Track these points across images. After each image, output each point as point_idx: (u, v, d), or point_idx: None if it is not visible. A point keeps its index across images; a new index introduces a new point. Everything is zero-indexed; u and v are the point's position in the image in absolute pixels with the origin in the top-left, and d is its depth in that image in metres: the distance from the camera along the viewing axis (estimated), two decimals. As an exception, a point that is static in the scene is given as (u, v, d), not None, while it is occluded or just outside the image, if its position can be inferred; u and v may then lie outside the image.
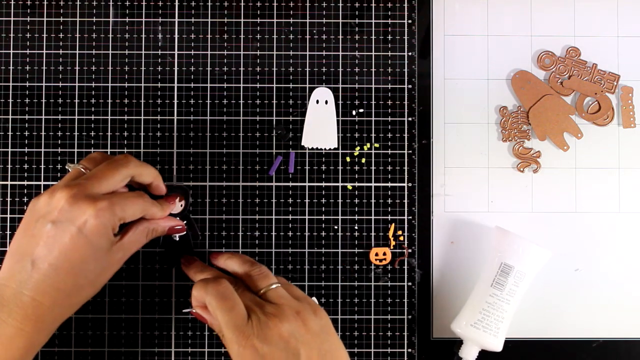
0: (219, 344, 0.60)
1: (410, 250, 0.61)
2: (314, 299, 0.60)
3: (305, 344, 0.48)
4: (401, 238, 0.61)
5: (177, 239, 0.60)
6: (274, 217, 0.61)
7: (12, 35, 0.61)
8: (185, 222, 0.60)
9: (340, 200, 0.61)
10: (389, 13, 0.62)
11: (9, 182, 0.60)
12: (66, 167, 0.54)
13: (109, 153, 0.60)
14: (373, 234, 0.61)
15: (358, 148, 0.61)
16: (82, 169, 0.52)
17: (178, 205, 0.60)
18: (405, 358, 0.60)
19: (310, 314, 0.50)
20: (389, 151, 0.61)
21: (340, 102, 0.61)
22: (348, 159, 0.61)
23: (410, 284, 0.61)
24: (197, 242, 0.60)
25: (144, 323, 0.60)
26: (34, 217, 0.49)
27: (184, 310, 0.59)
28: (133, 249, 0.53)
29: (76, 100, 0.61)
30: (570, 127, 0.62)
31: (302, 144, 0.61)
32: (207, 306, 0.50)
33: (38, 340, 0.49)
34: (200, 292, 0.50)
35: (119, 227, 0.51)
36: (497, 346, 0.56)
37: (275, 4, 0.62)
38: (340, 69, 0.61)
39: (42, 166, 0.60)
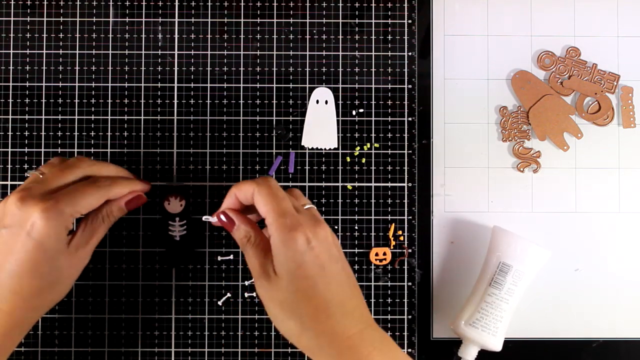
0: (219, 343, 0.60)
1: (410, 250, 0.61)
2: None
3: (334, 259, 0.49)
4: (401, 238, 0.61)
5: (178, 238, 0.60)
6: (274, 217, 0.61)
7: (12, 35, 0.61)
8: (185, 221, 0.60)
9: (340, 200, 0.61)
10: (389, 13, 0.62)
11: (9, 182, 0.60)
12: (25, 174, 0.53)
13: (109, 153, 0.60)
14: (373, 234, 0.61)
15: (358, 148, 0.61)
16: (39, 175, 0.51)
17: (178, 205, 0.60)
18: (405, 358, 0.60)
19: (336, 239, 0.51)
20: (389, 151, 0.61)
21: (340, 102, 0.61)
22: (348, 159, 0.61)
23: (410, 284, 0.61)
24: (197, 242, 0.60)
25: (144, 323, 0.60)
26: None
27: (204, 218, 0.54)
28: (92, 242, 0.52)
29: (76, 100, 0.61)
30: (570, 127, 0.62)
31: (302, 144, 0.61)
32: (241, 206, 0.50)
33: (4, 345, 0.49)
34: (249, 187, 0.49)
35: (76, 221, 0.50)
36: (496, 346, 0.56)
37: (275, 4, 0.62)
38: (340, 69, 0.61)
39: (42, 166, 0.60)
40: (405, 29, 0.62)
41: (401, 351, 0.49)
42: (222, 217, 0.51)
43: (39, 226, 0.47)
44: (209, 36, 0.61)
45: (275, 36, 0.61)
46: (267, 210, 0.48)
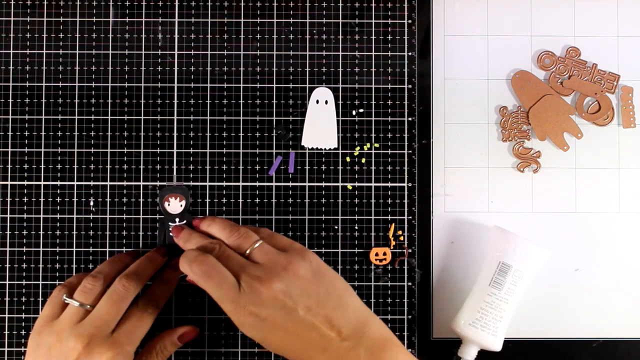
0: (219, 343, 0.60)
1: (410, 250, 0.61)
2: None
3: (302, 295, 0.49)
4: (401, 238, 0.61)
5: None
6: (274, 217, 0.61)
7: (12, 35, 0.61)
8: (185, 222, 0.60)
9: (340, 200, 0.61)
10: (389, 13, 0.62)
11: (9, 182, 0.60)
12: (63, 299, 0.54)
13: (109, 153, 0.60)
14: (373, 234, 0.61)
15: (358, 148, 0.61)
16: (86, 308, 0.53)
17: (178, 206, 0.60)
18: (405, 358, 0.60)
19: (299, 261, 0.50)
20: (389, 151, 0.61)
21: (340, 102, 0.61)
22: (348, 159, 0.61)
23: (410, 284, 0.61)
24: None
25: (144, 323, 0.60)
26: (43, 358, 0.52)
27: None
28: None
29: (76, 100, 0.61)
30: (570, 127, 0.62)
31: (302, 144, 0.61)
32: None
33: None
34: (186, 270, 0.51)
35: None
36: (496, 346, 0.56)
37: (275, 4, 0.62)
38: (340, 69, 0.61)
39: (42, 166, 0.60)
40: (405, 29, 0.62)
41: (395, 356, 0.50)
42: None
43: None
44: (209, 36, 0.61)
45: (275, 36, 0.61)
46: (213, 297, 0.50)
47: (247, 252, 0.52)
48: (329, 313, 0.49)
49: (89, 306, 0.53)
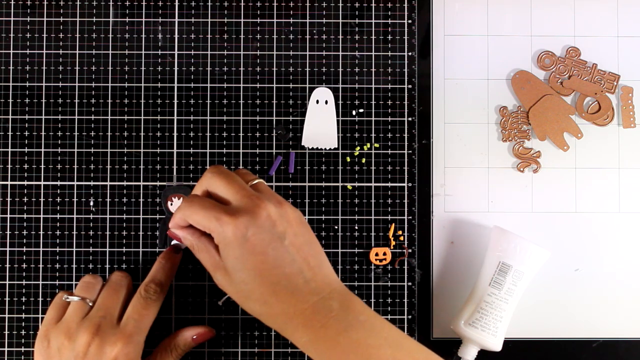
0: (219, 343, 0.60)
1: (410, 250, 0.61)
2: None
3: (291, 230, 0.49)
4: (401, 238, 0.61)
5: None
6: (274, 217, 0.61)
7: (12, 35, 0.61)
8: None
9: (340, 200, 0.61)
10: (389, 13, 0.62)
11: (9, 182, 0.60)
12: (65, 299, 0.55)
13: (109, 153, 0.60)
14: (373, 234, 0.61)
15: (358, 148, 0.61)
16: (88, 303, 0.54)
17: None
18: (405, 358, 0.60)
19: (289, 205, 0.50)
20: (389, 151, 0.61)
21: (340, 102, 0.61)
22: (348, 159, 0.61)
23: (410, 284, 0.61)
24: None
25: (144, 323, 0.60)
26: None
27: (171, 243, 0.58)
28: None
29: (76, 100, 0.61)
30: (570, 127, 0.62)
31: (302, 144, 0.61)
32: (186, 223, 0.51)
33: None
34: (202, 181, 0.51)
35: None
36: (496, 345, 0.56)
37: (275, 4, 0.62)
38: (340, 69, 0.61)
39: (42, 166, 0.60)
40: (405, 29, 0.62)
41: (364, 309, 0.50)
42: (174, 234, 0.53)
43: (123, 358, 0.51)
44: (209, 36, 0.61)
45: (275, 36, 0.61)
46: (223, 192, 0.49)
47: (249, 183, 0.51)
48: (309, 258, 0.49)
49: (90, 303, 0.53)
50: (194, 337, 0.57)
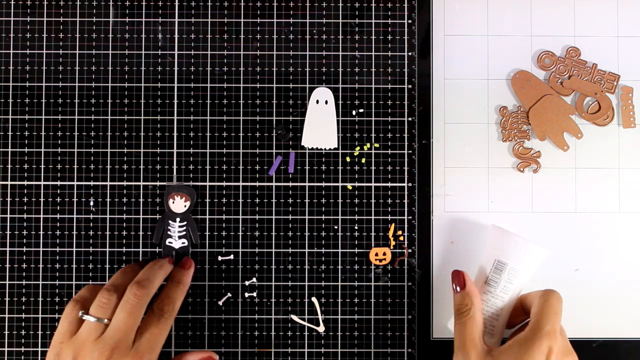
0: (219, 343, 0.60)
1: (410, 250, 0.61)
2: (314, 299, 0.60)
3: None
4: (401, 238, 0.61)
5: (176, 239, 0.60)
6: (274, 217, 0.61)
7: (12, 35, 0.61)
8: (185, 222, 0.60)
9: (340, 200, 0.61)
10: (389, 13, 0.62)
11: (9, 182, 0.60)
12: (80, 315, 0.54)
13: (108, 153, 0.60)
14: (373, 234, 0.61)
15: (358, 148, 0.61)
16: (104, 322, 0.53)
17: (182, 205, 0.60)
18: (405, 358, 0.60)
19: None
20: (389, 151, 0.61)
21: (340, 102, 0.61)
22: (348, 159, 0.61)
23: (410, 284, 0.61)
24: (196, 243, 0.60)
25: (144, 323, 0.60)
26: None
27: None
28: None
29: (76, 100, 0.61)
30: (570, 127, 0.62)
31: (302, 144, 0.61)
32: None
33: None
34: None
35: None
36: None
37: (275, 4, 0.62)
38: (340, 69, 0.61)
39: (42, 166, 0.60)
40: (405, 29, 0.62)
41: None
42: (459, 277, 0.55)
43: None
44: (209, 36, 0.61)
45: (275, 36, 0.61)
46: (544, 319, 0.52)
47: None
48: None
49: (106, 320, 0.53)
50: None
